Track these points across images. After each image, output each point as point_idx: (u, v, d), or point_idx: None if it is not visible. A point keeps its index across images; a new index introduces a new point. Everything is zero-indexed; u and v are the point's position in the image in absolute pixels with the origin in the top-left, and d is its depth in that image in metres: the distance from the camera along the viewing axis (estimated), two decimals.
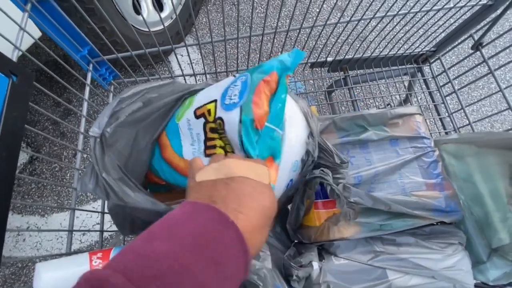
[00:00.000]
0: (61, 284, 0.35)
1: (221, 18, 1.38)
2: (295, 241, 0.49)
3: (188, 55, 0.55)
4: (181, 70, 0.60)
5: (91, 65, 0.54)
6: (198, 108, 0.41)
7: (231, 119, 0.36)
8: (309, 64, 0.71)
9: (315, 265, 0.43)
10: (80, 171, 0.49)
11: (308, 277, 0.42)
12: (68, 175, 1.17)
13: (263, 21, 1.23)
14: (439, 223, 0.50)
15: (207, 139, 0.40)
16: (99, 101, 1.25)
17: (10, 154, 0.34)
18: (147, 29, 0.52)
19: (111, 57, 0.54)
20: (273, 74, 0.36)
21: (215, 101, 0.39)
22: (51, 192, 1.15)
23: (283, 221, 0.52)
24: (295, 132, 0.39)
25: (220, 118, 0.37)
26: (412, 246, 0.47)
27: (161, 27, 0.60)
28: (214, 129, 0.39)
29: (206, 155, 0.41)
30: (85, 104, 0.51)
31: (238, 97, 0.36)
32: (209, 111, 0.39)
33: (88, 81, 0.53)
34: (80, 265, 0.36)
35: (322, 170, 0.39)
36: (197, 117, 0.41)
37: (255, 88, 0.36)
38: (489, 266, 0.50)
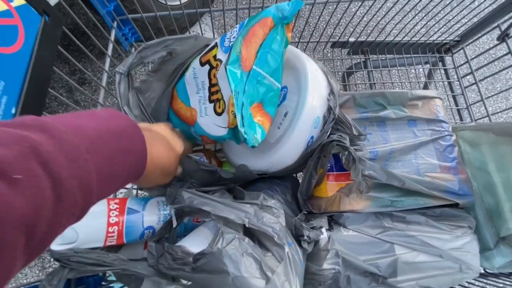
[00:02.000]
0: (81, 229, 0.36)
1: None
2: (305, 211, 0.49)
3: (211, 22, 0.54)
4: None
5: (115, 23, 0.54)
6: (203, 55, 0.42)
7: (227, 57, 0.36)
8: (331, 43, 0.71)
9: (324, 232, 0.43)
10: None
11: (316, 243, 0.43)
12: None
13: None
14: (449, 206, 0.50)
15: (211, 85, 0.41)
16: (114, 72, 1.26)
17: (39, 90, 0.34)
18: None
19: (136, 16, 0.54)
20: (268, 19, 0.36)
21: (216, 45, 0.40)
22: None
23: (294, 190, 0.52)
24: (316, 88, 0.40)
25: (220, 60, 0.38)
26: (422, 225, 0.47)
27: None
28: (216, 74, 0.40)
29: (211, 101, 0.42)
30: (108, 60, 0.51)
31: (236, 38, 0.37)
32: (214, 57, 0.40)
33: (112, 38, 0.53)
34: (100, 205, 0.37)
35: (340, 135, 0.39)
36: (202, 64, 0.42)
37: (248, 30, 0.36)
38: (496, 253, 0.50)
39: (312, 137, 0.43)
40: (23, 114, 0.32)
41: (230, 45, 0.38)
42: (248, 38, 0.36)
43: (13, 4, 0.31)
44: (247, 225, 0.32)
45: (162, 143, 0.33)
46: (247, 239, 0.31)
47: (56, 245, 0.34)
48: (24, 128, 0.19)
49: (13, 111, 0.31)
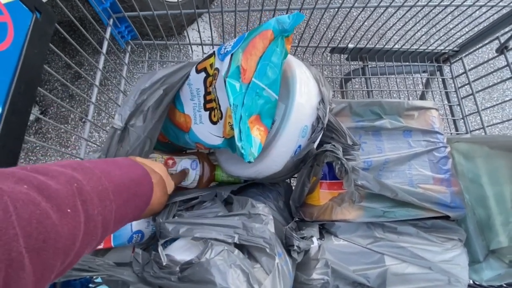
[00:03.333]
0: None
1: None
2: (297, 218, 0.49)
3: (210, 21, 0.54)
4: (200, 36, 0.59)
5: (111, 20, 0.53)
6: (200, 63, 0.41)
7: (224, 67, 0.36)
8: (329, 49, 0.70)
9: (315, 241, 0.43)
10: (87, 142, 0.49)
11: (306, 252, 0.42)
12: (73, 137, 1.17)
13: None
14: (441, 218, 0.50)
15: (207, 93, 0.41)
16: (110, 68, 1.25)
17: (27, 89, 0.33)
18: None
19: (132, 14, 0.53)
20: (268, 31, 0.36)
21: (214, 53, 0.39)
22: (55, 152, 1.15)
23: (287, 197, 0.52)
24: (305, 97, 0.39)
25: (217, 69, 0.37)
26: (413, 236, 0.47)
27: None
28: (212, 82, 0.39)
29: (206, 109, 0.41)
30: (102, 58, 0.50)
31: (232, 47, 0.37)
32: (211, 65, 0.39)
33: (107, 35, 0.52)
34: None
35: (333, 145, 0.39)
36: (198, 71, 0.41)
37: (248, 42, 0.36)
38: (485, 266, 0.51)
39: (299, 146, 0.43)
40: (10, 114, 0.31)
41: (225, 52, 0.37)
42: (248, 50, 0.35)
43: (3, 1, 0.30)
44: (237, 242, 0.32)
45: (161, 188, 0.36)
46: (236, 251, 0.30)
47: None
48: (72, 170, 0.23)
49: None
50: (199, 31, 0.58)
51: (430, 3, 0.60)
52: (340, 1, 0.58)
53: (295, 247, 0.36)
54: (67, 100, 1.24)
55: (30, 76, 0.34)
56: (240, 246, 0.33)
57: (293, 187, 0.51)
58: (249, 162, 0.35)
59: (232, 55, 0.36)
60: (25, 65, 0.33)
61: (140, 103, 0.39)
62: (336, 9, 0.56)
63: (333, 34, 0.70)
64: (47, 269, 0.18)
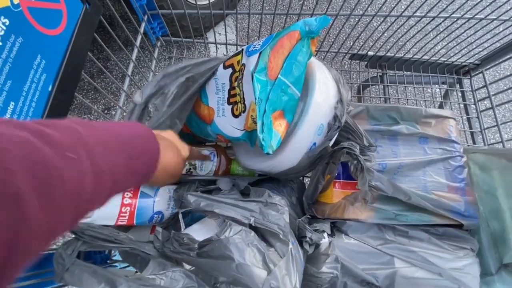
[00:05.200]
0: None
1: None
2: (309, 216, 0.50)
3: (236, 24, 0.57)
4: (225, 38, 0.63)
5: (146, 16, 0.57)
6: (227, 59, 0.44)
7: (251, 63, 0.38)
8: (349, 55, 0.72)
9: (326, 237, 0.44)
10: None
11: (317, 247, 0.43)
12: None
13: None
14: (453, 227, 0.50)
15: (231, 88, 0.43)
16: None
17: (74, 72, 0.37)
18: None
19: (165, 11, 0.57)
20: (295, 32, 0.38)
21: (241, 51, 0.42)
22: None
23: (300, 194, 0.53)
24: (323, 96, 0.41)
25: (243, 64, 0.40)
26: (424, 241, 0.47)
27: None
28: (238, 78, 0.41)
29: (229, 103, 0.44)
30: (135, 51, 0.54)
31: (260, 46, 0.39)
32: (238, 62, 0.42)
33: (141, 30, 0.56)
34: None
35: (351, 143, 0.40)
36: (225, 67, 0.44)
37: (277, 41, 0.38)
38: (497, 279, 0.50)
39: (314, 144, 0.44)
40: (58, 93, 0.34)
41: (254, 49, 0.39)
42: (276, 49, 0.37)
43: None
44: (253, 224, 0.34)
45: (172, 149, 0.36)
46: (253, 233, 0.32)
47: None
48: (76, 124, 0.23)
49: (49, 88, 0.34)
50: (225, 31, 0.61)
51: (452, 16, 0.61)
52: (362, 11, 0.60)
53: (308, 239, 0.38)
54: (92, 92, 1.30)
55: (77, 60, 0.37)
56: (255, 231, 0.34)
57: (307, 185, 0.52)
58: (268, 153, 0.37)
59: (260, 53, 0.38)
60: (73, 50, 0.36)
61: (162, 85, 0.42)
62: (357, 19, 0.58)
63: (352, 43, 0.72)
64: (58, 210, 0.18)
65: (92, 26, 0.40)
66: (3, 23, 0.28)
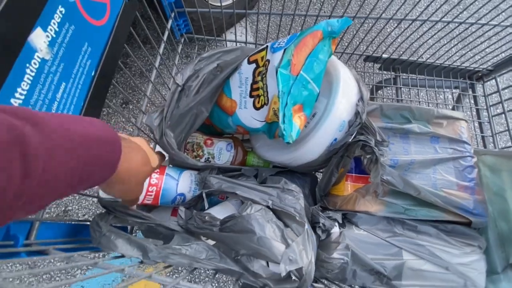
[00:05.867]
0: None
1: None
2: (321, 206, 0.52)
3: (257, 23, 0.60)
4: (245, 37, 0.66)
5: (173, 14, 0.61)
6: (252, 55, 0.47)
7: (275, 59, 0.41)
8: (364, 57, 0.74)
9: (337, 227, 0.46)
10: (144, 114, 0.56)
11: (328, 236, 0.45)
12: (113, 120, 1.27)
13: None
14: (462, 225, 0.51)
15: (254, 82, 0.46)
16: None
17: (113, 60, 0.40)
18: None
19: (191, 10, 0.61)
20: (318, 32, 0.41)
21: (266, 47, 0.45)
22: None
23: (312, 186, 0.55)
24: (346, 95, 0.43)
25: (268, 60, 0.42)
26: (432, 236, 0.49)
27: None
28: (261, 72, 0.44)
29: (251, 96, 0.47)
30: (162, 45, 0.58)
31: (285, 43, 0.42)
32: (262, 57, 0.45)
33: (168, 26, 0.60)
34: None
35: (367, 136, 0.42)
36: (249, 62, 0.47)
37: (300, 39, 0.41)
38: (503, 278, 0.51)
39: (335, 139, 0.47)
40: (100, 78, 0.38)
41: (278, 46, 0.42)
42: (300, 46, 0.40)
43: None
44: (271, 207, 0.36)
45: (140, 155, 0.32)
46: (271, 212, 0.35)
47: (104, 194, 0.40)
48: (19, 119, 0.20)
49: (92, 73, 0.37)
50: (246, 31, 0.65)
51: (466, 21, 0.63)
52: (378, 15, 0.62)
53: (321, 224, 0.40)
54: (111, 87, 1.35)
55: (116, 50, 0.41)
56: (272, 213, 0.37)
57: (319, 180, 0.54)
58: (288, 143, 0.40)
59: (285, 50, 0.41)
60: (113, 40, 0.40)
61: (198, 69, 0.46)
62: (371, 24, 0.61)
63: (365, 47, 0.74)
64: None
65: (129, 19, 0.44)
66: (60, 12, 0.31)
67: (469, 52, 0.71)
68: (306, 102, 0.43)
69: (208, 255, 0.32)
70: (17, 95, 0.26)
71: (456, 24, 0.64)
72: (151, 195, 0.42)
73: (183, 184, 0.45)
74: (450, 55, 0.72)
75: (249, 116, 0.48)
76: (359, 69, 0.76)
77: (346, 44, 0.73)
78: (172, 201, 0.45)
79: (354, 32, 0.67)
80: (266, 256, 0.30)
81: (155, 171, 0.45)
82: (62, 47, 0.32)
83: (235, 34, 0.69)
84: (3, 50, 0.25)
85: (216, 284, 1.03)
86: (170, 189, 0.44)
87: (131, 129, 1.25)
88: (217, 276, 1.05)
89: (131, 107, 1.29)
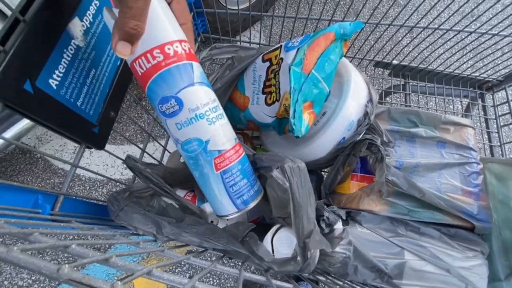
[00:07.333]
0: None
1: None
2: (325, 204, 0.54)
3: (271, 26, 0.62)
4: (259, 38, 0.69)
5: (192, 13, 0.64)
6: (266, 54, 0.49)
7: (289, 57, 0.43)
8: (374, 63, 0.76)
9: (340, 224, 0.47)
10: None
11: (331, 231, 0.47)
12: (125, 116, 1.31)
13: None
14: (465, 229, 0.51)
15: (267, 79, 0.48)
16: None
17: None
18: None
19: (209, 10, 0.64)
20: (331, 33, 0.43)
21: (281, 46, 0.47)
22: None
23: (317, 184, 0.57)
24: (356, 96, 0.45)
25: (281, 58, 0.45)
26: (435, 239, 0.50)
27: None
28: (274, 70, 0.46)
29: (263, 93, 0.49)
30: None
31: (299, 43, 0.44)
32: (276, 56, 0.47)
33: None
34: None
35: (373, 135, 0.44)
36: (264, 61, 0.50)
37: (313, 40, 0.43)
38: (505, 285, 0.51)
39: (344, 138, 0.48)
40: (124, 69, 0.41)
41: (292, 45, 0.45)
42: (312, 47, 0.42)
43: None
44: None
45: None
46: None
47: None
48: None
49: (118, 63, 0.40)
50: (260, 33, 0.67)
51: (477, 31, 0.64)
52: (389, 21, 0.64)
53: (325, 217, 0.41)
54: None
55: None
56: None
57: (324, 178, 0.56)
58: (297, 137, 0.42)
59: (298, 49, 0.43)
60: None
61: (213, 54, 0.51)
62: (382, 31, 0.62)
63: (377, 52, 0.76)
64: None
65: None
66: (95, 4, 0.34)
67: (479, 62, 0.71)
68: (316, 100, 0.44)
69: (217, 236, 0.34)
70: (54, 76, 0.29)
71: (467, 34, 0.65)
72: None
73: None
74: (460, 64, 0.73)
75: (260, 111, 0.50)
76: (369, 75, 0.77)
77: (357, 49, 0.74)
78: None
79: (365, 38, 0.69)
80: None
81: None
82: (95, 36, 0.35)
83: (250, 37, 0.72)
84: (45, 36, 0.28)
85: (218, 281, 1.05)
86: None
87: (143, 125, 1.29)
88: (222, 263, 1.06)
89: (144, 103, 1.33)
